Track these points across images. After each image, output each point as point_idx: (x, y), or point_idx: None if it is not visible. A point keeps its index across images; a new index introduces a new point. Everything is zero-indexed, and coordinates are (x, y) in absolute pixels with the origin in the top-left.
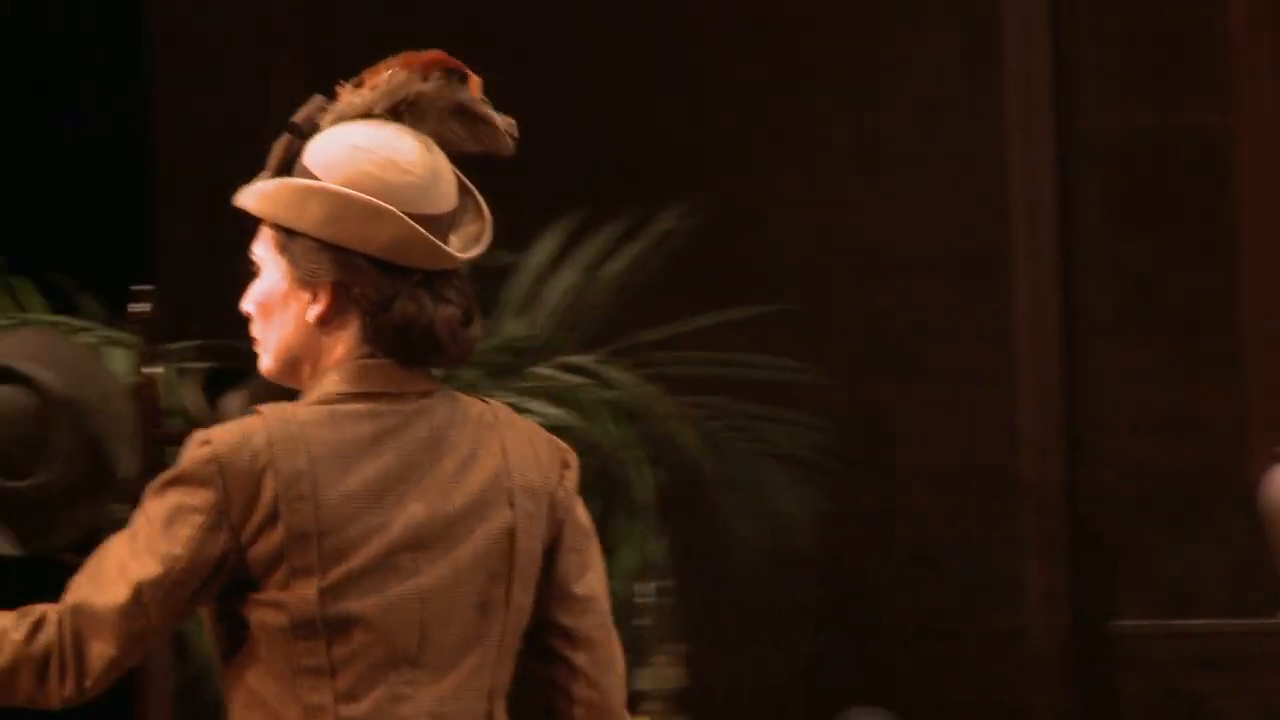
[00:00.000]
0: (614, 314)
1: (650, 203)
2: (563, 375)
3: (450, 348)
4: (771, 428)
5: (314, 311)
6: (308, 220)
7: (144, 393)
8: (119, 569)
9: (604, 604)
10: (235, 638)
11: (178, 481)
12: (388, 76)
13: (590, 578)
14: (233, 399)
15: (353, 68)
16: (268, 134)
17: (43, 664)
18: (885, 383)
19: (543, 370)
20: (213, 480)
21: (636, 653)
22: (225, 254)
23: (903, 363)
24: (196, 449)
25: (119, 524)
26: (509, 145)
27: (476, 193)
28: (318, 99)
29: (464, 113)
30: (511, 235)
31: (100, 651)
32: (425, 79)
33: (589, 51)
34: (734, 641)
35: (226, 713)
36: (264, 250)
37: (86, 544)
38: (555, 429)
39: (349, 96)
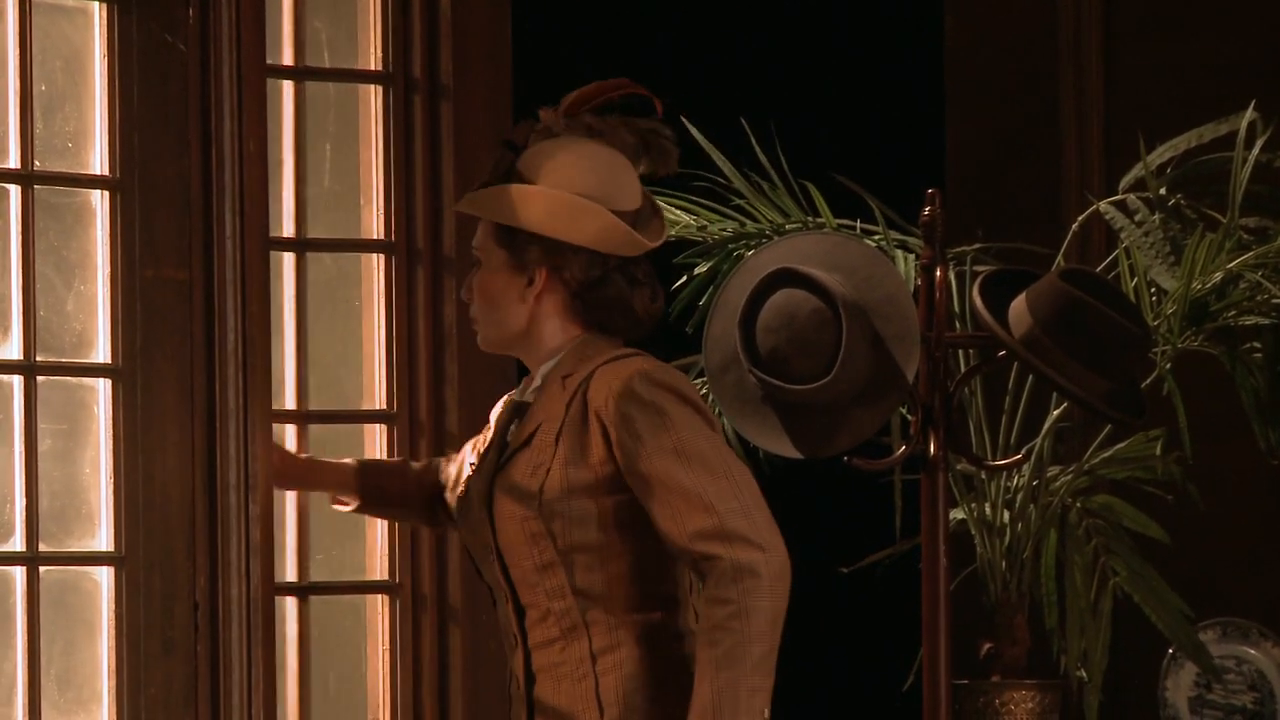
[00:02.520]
0: None
1: None
2: None
3: (645, 322)
4: None
5: (531, 293)
6: (529, 218)
7: (929, 296)
8: None
9: None
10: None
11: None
12: (569, 113)
13: None
14: (1017, 302)
15: None
16: (1055, 41)
17: None
18: None
19: None
20: None
21: None
22: (1011, 158)
23: None
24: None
25: (904, 427)
26: (672, 168)
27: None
28: (528, 121)
29: (645, 145)
30: None
31: None
32: (607, 112)
33: None
34: None
35: None
36: (484, 243)
37: (867, 448)
38: None
39: (552, 118)
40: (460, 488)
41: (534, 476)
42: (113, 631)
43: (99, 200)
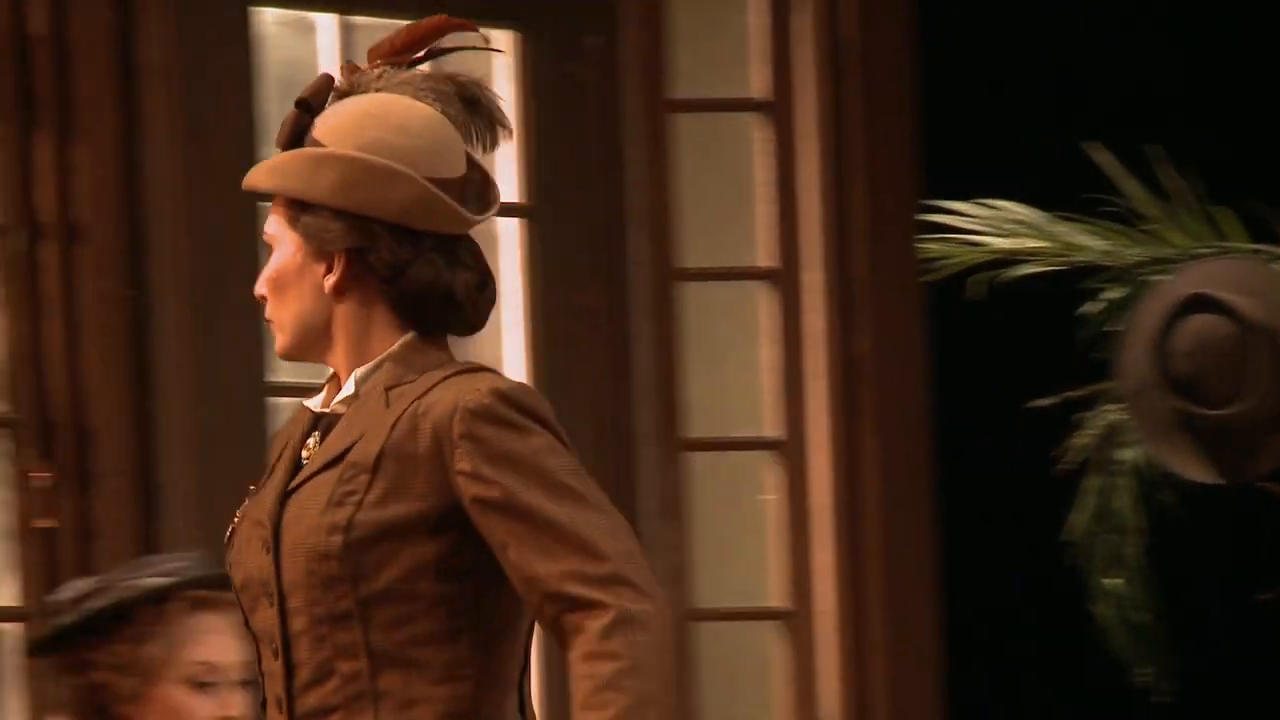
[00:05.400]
0: None
1: None
2: None
3: (470, 313)
4: None
5: (330, 281)
6: (321, 189)
7: None
8: None
9: None
10: None
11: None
12: (377, 68)
13: None
14: None
15: None
16: None
17: None
18: None
19: None
20: None
21: None
22: None
23: None
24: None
25: None
26: (504, 134)
27: (482, 163)
28: (326, 75)
29: (473, 105)
30: None
31: None
32: (411, 60)
33: None
34: None
35: None
36: (275, 227)
37: None
38: None
39: (356, 75)
40: (236, 518)
41: (341, 507)
42: (536, 657)
43: (507, 228)
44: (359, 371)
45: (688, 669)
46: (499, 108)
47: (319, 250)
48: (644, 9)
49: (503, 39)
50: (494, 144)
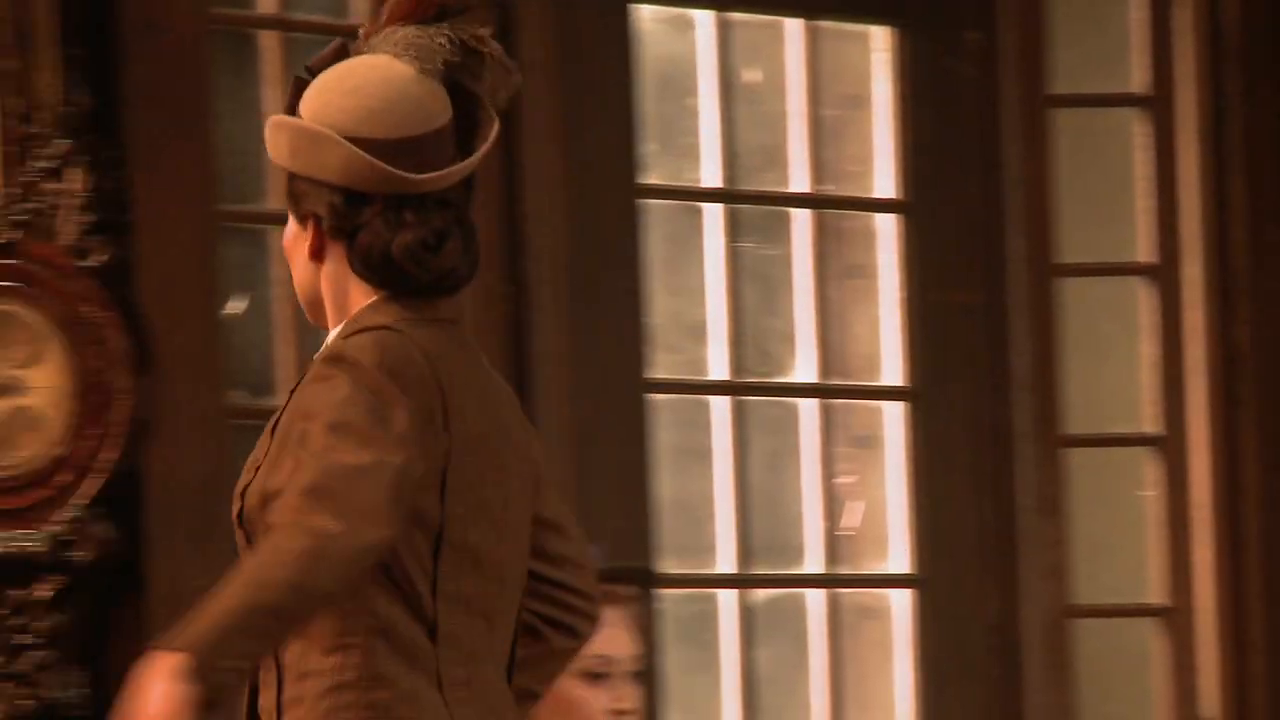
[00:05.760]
0: None
1: None
2: None
3: (416, 273)
4: None
5: (307, 247)
6: (281, 156)
7: None
8: None
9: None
10: None
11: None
12: (384, 30)
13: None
14: None
15: None
16: None
17: None
18: None
19: None
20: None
21: None
22: None
23: None
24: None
25: None
26: (512, 81)
27: (488, 110)
28: (339, 41)
29: (466, 60)
30: None
31: None
32: (420, 19)
33: None
34: None
35: None
36: (286, 199)
37: None
38: None
39: (372, 38)
40: None
41: (246, 474)
42: (912, 655)
43: (885, 223)
44: (331, 334)
45: (1065, 665)
46: (502, 59)
47: (301, 218)
48: (1024, 4)
49: (882, 35)
50: (506, 93)
